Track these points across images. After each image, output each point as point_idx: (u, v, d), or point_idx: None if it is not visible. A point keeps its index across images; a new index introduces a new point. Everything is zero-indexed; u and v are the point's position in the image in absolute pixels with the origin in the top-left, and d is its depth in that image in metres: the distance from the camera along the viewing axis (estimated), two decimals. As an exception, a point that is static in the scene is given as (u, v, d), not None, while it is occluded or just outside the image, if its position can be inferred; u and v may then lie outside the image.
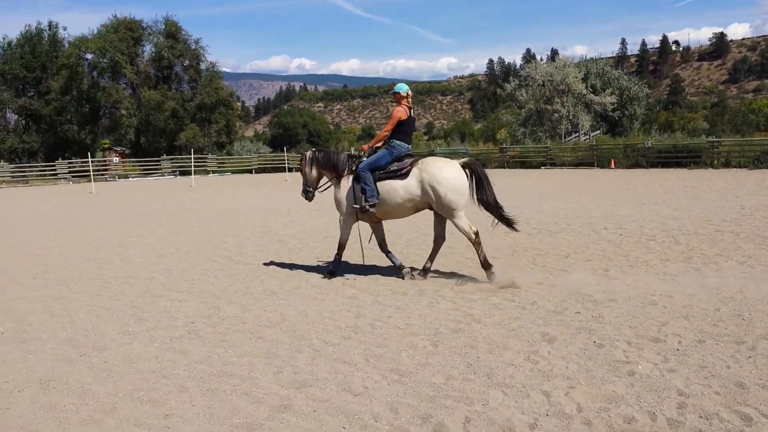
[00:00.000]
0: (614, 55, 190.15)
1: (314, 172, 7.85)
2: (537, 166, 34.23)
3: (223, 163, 42.74)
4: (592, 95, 42.92)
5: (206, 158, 41.16)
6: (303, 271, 7.95)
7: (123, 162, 41.20)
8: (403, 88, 7.43)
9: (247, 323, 5.70)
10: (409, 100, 7.41)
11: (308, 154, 7.96)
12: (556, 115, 43.77)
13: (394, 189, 7.11)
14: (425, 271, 7.39)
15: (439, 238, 7.40)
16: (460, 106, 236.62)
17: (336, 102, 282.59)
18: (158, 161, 40.01)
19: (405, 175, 7.09)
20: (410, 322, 5.52)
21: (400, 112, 7.24)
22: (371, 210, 7.16)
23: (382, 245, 7.73)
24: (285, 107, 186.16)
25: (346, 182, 7.44)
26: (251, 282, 7.47)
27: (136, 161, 41.66)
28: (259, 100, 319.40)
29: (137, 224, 13.71)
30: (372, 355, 4.71)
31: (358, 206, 7.22)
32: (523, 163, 35.67)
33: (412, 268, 7.49)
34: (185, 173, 35.76)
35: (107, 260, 9.23)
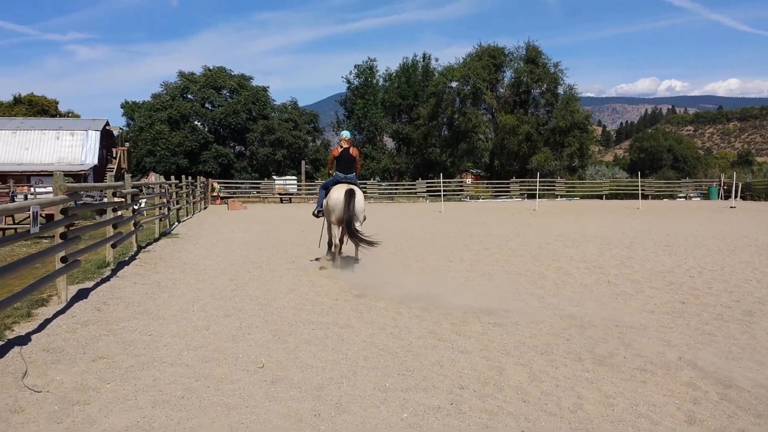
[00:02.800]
0: None
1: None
2: None
3: (573, 187, 41.30)
4: None
5: (555, 182, 40.27)
6: (624, 330, 6.34)
7: (475, 184, 42.96)
8: (344, 134, 10.27)
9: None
10: (347, 142, 10.00)
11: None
12: None
13: None
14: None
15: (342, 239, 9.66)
16: None
17: (708, 125, 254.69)
18: (507, 183, 40.60)
19: None
20: None
21: (334, 151, 10.08)
22: (320, 216, 10.42)
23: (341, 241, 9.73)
24: (648, 131, 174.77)
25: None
26: (547, 338, 6.19)
27: (488, 183, 43.04)
28: (621, 124, 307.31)
29: (460, 244, 13.41)
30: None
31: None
32: None
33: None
34: (532, 196, 35.43)
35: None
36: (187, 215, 22.45)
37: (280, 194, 38.36)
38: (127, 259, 10.74)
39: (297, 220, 20.91)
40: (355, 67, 52.64)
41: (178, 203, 20.09)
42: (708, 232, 16.64)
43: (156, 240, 13.91)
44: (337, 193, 9.42)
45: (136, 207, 12.42)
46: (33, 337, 5.64)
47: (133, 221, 11.88)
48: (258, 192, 39.10)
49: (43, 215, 12.97)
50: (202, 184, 31.09)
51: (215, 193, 35.12)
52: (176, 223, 18.83)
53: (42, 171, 35.41)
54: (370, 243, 9.06)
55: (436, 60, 53.25)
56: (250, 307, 7.15)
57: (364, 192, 11.05)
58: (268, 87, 57.09)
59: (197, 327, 6.20)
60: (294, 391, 4.41)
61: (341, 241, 9.69)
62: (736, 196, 36.31)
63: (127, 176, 12.40)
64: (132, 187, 12.32)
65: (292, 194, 38.59)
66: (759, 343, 5.74)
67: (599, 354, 5.43)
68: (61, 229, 7.15)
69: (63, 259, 7.08)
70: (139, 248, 12.10)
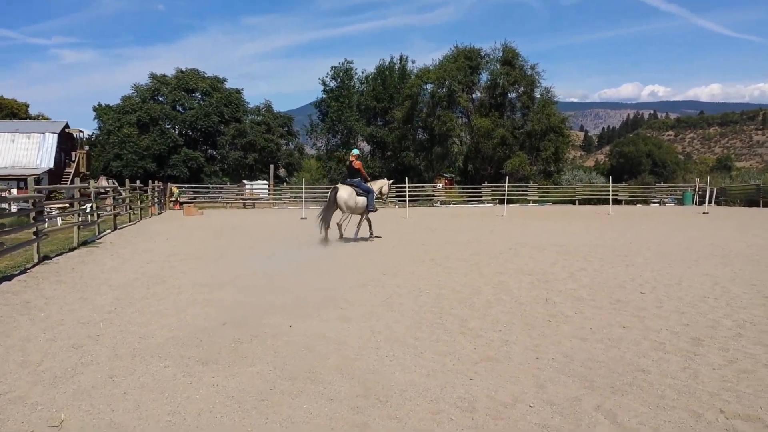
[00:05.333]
0: None
1: None
2: None
3: (546, 192, 40.47)
4: None
5: (528, 186, 39.42)
6: (543, 365, 5.28)
7: (447, 188, 41.93)
8: (353, 152, 15.32)
9: None
10: (354, 156, 14.97)
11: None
12: None
13: None
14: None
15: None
16: None
17: (689, 130, 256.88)
18: (480, 188, 39.66)
19: None
20: None
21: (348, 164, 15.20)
22: None
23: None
24: (630, 136, 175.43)
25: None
26: (446, 376, 5.11)
27: (461, 188, 42.06)
28: (603, 129, 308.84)
29: (409, 254, 12.33)
30: None
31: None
32: None
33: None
34: (508, 201, 34.54)
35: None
36: (130, 221, 21.16)
37: (243, 200, 37.02)
38: (17, 272, 9.54)
39: (247, 227, 19.77)
40: (331, 68, 51.35)
41: (115, 209, 18.80)
42: (674, 239, 15.72)
43: (71, 250, 12.70)
44: (333, 189, 14.59)
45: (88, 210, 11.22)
46: None
47: (34, 229, 10.67)
48: (221, 197, 37.72)
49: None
50: (158, 189, 29.77)
51: (174, 198, 33.74)
52: (108, 231, 17.54)
53: (-5, 174, 33.87)
54: (324, 225, 14.03)
55: (413, 62, 52.27)
56: (111, 335, 6.02)
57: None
58: (242, 89, 55.88)
59: (24, 363, 5.06)
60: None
61: (338, 224, 14.51)
62: (710, 202, 35.65)
63: (30, 179, 11.16)
64: (42, 192, 11.12)
65: (256, 200, 37.26)
66: (700, 384, 4.69)
67: (500, 401, 4.36)
68: None
69: None
70: (43, 259, 10.89)
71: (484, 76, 47.87)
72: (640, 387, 4.64)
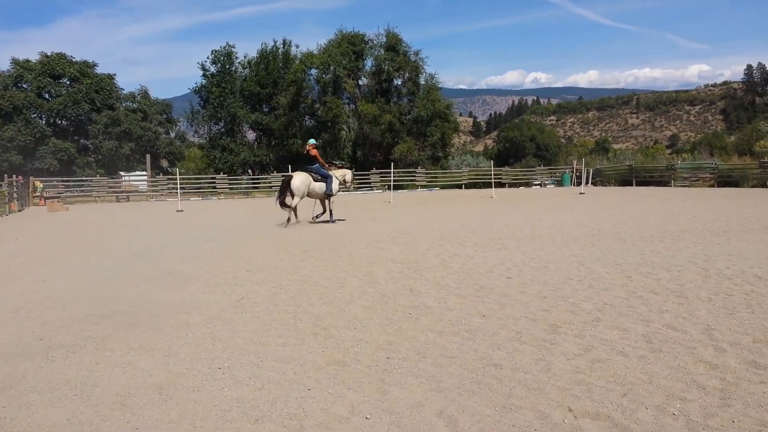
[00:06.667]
0: None
1: None
2: (818, 188, 26.68)
3: (435, 177, 40.92)
4: None
5: (416, 172, 39.67)
6: (392, 366, 4.86)
7: (336, 175, 41.33)
8: (310, 141, 16.77)
9: None
10: (310, 146, 16.44)
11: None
12: None
13: None
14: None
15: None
16: (711, 117, 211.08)
17: (569, 115, 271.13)
18: (368, 175, 39.44)
19: None
20: None
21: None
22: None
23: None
24: (515, 121, 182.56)
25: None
26: (274, 393, 4.58)
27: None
28: (491, 115, 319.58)
29: (279, 247, 11.67)
30: None
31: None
32: (797, 183, 28.19)
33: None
34: (397, 187, 34.54)
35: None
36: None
37: (116, 193, 34.66)
38: None
39: (102, 225, 18.28)
40: (212, 52, 49.06)
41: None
42: (548, 220, 16.04)
43: None
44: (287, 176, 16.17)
45: None
46: None
47: None
48: (91, 190, 35.03)
49: None
50: (18, 183, 27.17)
51: (38, 193, 30.98)
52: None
53: None
54: (283, 207, 15.73)
55: (297, 47, 51.05)
56: None
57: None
58: (114, 75, 52.40)
59: None
60: None
61: (293, 209, 15.76)
62: (586, 183, 37.41)
63: None
64: None
65: (130, 192, 35.01)
66: (552, 378, 4.41)
67: (336, 414, 3.85)
68: None
69: None
70: None
71: (369, 62, 47.66)
72: (488, 385, 4.29)
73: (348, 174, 17.38)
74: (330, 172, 16.32)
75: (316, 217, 16.79)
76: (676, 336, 5.31)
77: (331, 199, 16.67)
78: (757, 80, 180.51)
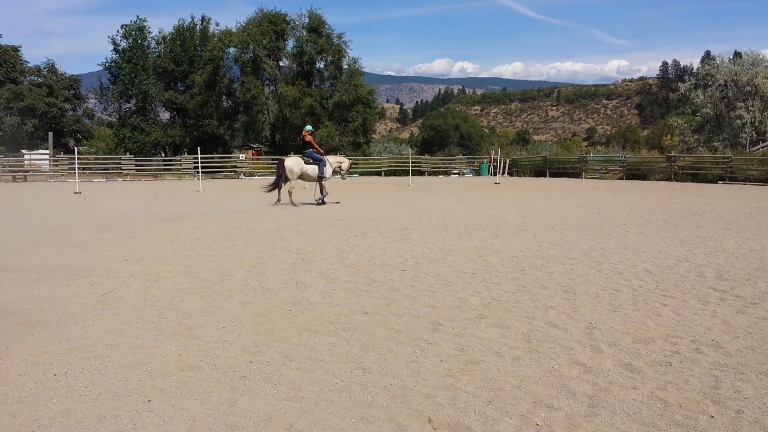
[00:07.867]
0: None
1: None
2: (713, 180, 28.07)
3: (355, 163, 40.50)
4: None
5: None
6: (250, 374, 4.44)
7: (253, 159, 40.25)
8: (306, 128, 17.80)
9: None
10: (306, 132, 17.54)
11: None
12: (739, 121, 36.75)
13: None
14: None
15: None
16: (627, 111, 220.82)
17: (493, 105, 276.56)
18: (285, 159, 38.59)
19: None
20: None
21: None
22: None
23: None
24: (441, 109, 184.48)
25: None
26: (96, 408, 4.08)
27: (271, 159, 40.64)
28: (417, 102, 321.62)
29: (166, 233, 10.98)
30: None
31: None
32: (695, 175, 29.56)
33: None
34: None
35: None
36: None
37: (13, 172, 32.36)
38: None
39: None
40: (122, 27, 46.36)
41: None
42: (458, 210, 15.98)
43: None
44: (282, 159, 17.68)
45: None
46: None
47: None
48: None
49: None
50: None
51: None
52: None
53: None
54: (272, 189, 17.19)
55: (216, 24, 49.10)
56: None
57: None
58: (19, 47, 48.81)
59: None
60: None
61: (289, 192, 16.95)
62: (503, 173, 38.01)
63: None
64: None
65: (27, 172, 32.76)
66: (419, 383, 4.11)
67: (167, 433, 3.40)
68: None
69: None
70: None
71: (291, 43, 46.54)
72: (350, 393, 3.94)
73: (345, 162, 18.48)
74: (324, 157, 17.38)
75: (319, 199, 17.57)
76: (557, 335, 5.15)
77: (324, 182, 17.54)
78: (672, 77, 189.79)
